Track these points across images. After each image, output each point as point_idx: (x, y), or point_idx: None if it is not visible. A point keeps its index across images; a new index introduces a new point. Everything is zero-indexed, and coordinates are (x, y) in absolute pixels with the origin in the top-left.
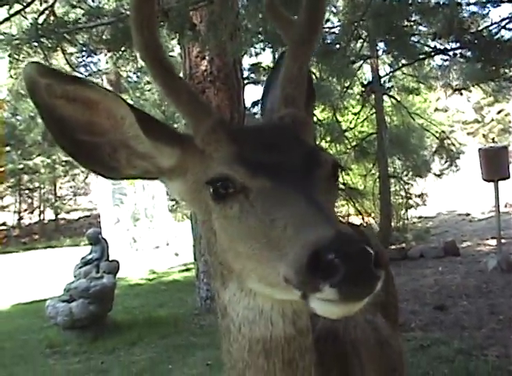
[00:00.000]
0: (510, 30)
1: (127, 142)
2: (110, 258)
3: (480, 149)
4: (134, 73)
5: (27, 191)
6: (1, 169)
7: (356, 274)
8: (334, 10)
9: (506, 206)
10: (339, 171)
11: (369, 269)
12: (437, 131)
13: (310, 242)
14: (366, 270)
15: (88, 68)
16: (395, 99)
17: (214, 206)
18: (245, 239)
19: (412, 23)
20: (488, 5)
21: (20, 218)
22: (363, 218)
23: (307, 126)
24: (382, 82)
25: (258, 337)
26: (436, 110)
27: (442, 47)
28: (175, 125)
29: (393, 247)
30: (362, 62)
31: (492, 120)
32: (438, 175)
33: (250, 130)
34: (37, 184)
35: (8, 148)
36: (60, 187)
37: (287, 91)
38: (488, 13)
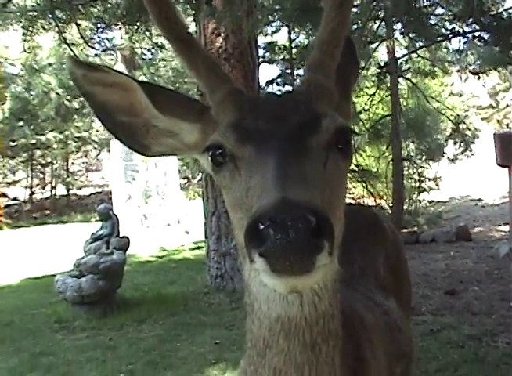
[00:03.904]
0: None
1: (150, 121)
2: (121, 235)
3: (495, 134)
4: (148, 50)
5: (39, 166)
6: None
7: (285, 244)
8: None
9: None
10: (348, 137)
11: (302, 239)
12: (452, 115)
13: (254, 211)
14: (298, 240)
15: (102, 44)
16: (411, 81)
17: (214, 176)
18: (234, 209)
19: (430, 4)
20: None
21: (32, 193)
22: (375, 201)
23: (324, 92)
24: (398, 64)
25: (276, 316)
26: (451, 94)
27: (460, 30)
28: None
29: (405, 230)
30: (378, 43)
31: (507, 105)
32: (452, 160)
33: (258, 99)
34: (49, 159)
35: (21, 123)
36: (72, 163)
37: (315, 55)
38: None
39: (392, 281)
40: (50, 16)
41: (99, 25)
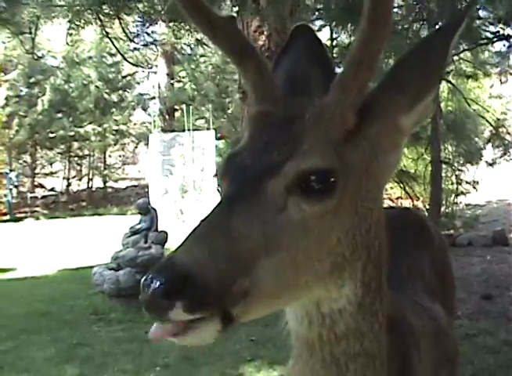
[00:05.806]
0: None
1: None
2: (159, 229)
3: None
4: (188, 45)
5: (76, 158)
6: None
7: (144, 299)
8: None
9: None
10: (318, 181)
11: (153, 299)
12: (491, 118)
13: None
14: (151, 299)
15: (142, 38)
16: (452, 83)
17: None
18: None
19: (476, 7)
20: None
21: (69, 185)
22: (413, 202)
23: (327, 125)
24: None
25: (296, 333)
26: (490, 96)
27: (504, 33)
28: (228, 100)
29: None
30: None
31: None
32: (491, 164)
33: (262, 128)
34: (86, 152)
35: (59, 114)
36: (110, 156)
37: (344, 74)
38: None
39: (438, 286)
40: (96, 9)
41: (141, 20)
